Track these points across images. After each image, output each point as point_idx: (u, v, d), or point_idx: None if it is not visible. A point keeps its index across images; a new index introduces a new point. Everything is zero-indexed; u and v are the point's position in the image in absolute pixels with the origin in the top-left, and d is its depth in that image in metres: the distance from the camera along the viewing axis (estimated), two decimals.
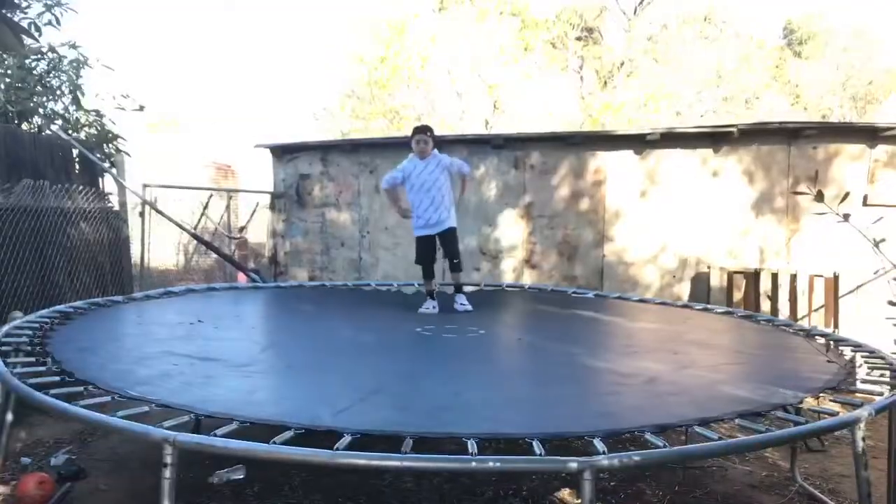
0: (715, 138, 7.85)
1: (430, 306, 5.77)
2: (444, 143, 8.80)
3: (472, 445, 2.48)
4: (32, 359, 3.51)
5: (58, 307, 4.81)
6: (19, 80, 8.03)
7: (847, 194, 3.14)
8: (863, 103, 23.59)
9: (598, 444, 2.48)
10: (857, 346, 4.16)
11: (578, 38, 20.80)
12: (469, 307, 5.75)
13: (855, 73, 22.09)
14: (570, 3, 21.55)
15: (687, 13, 21.52)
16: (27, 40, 6.75)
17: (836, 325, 7.01)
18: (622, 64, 21.01)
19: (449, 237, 5.88)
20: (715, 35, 21.15)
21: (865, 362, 3.87)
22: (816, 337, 4.69)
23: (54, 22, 8.24)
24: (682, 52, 20.43)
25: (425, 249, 5.94)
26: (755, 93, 20.50)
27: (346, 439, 2.51)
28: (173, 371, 3.49)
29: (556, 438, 2.67)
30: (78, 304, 5.09)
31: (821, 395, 3.30)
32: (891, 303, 2.94)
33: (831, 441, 5.13)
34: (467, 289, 6.33)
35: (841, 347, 4.27)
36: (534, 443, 2.51)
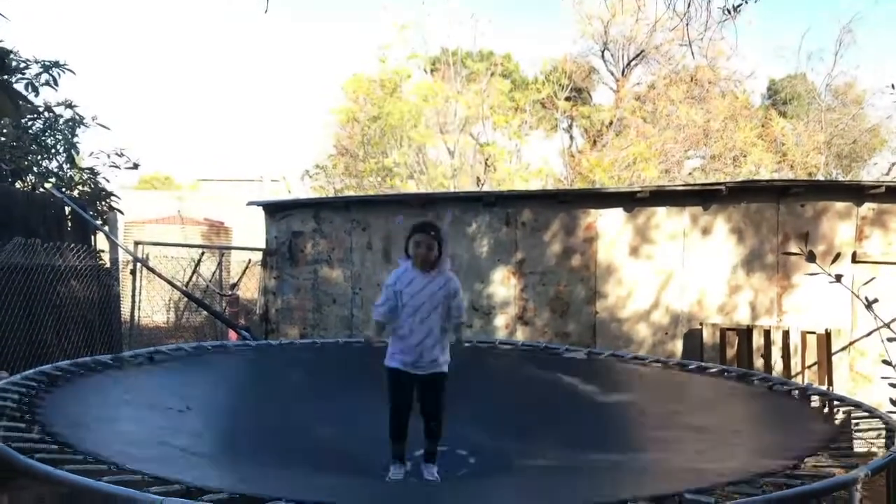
0: (704, 196, 7.94)
1: (398, 472, 4.04)
2: (437, 201, 8.90)
3: None
4: (19, 424, 3.45)
5: (43, 368, 4.72)
6: (14, 139, 8.12)
7: (839, 255, 3.17)
8: (848, 161, 24.03)
9: None
10: (853, 405, 4.14)
11: (567, 99, 21.21)
12: (438, 479, 4.05)
13: (839, 133, 22.55)
14: (559, 65, 22.06)
15: (674, 73, 22.05)
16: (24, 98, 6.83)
17: (829, 383, 6.99)
18: (611, 123, 21.39)
19: (434, 386, 4.08)
20: (701, 95, 21.62)
21: (861, 421, 3.84)
22: (811, 396, 4.66)
23: (52, 83, 8.38)
24: (669, 112, 20.85)
25: (402, 393, 4.07)
26: (742, 151, 20.85)
27: None
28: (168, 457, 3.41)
29: None
30: (64, 364, 4.99)
31: (817, 455, 3.26)
32: (886, 362, 2.93)
33: (828, 502, 5.05)
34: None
35: (836, 406, 4.24)
36: None
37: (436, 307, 4.05)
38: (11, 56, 8.23)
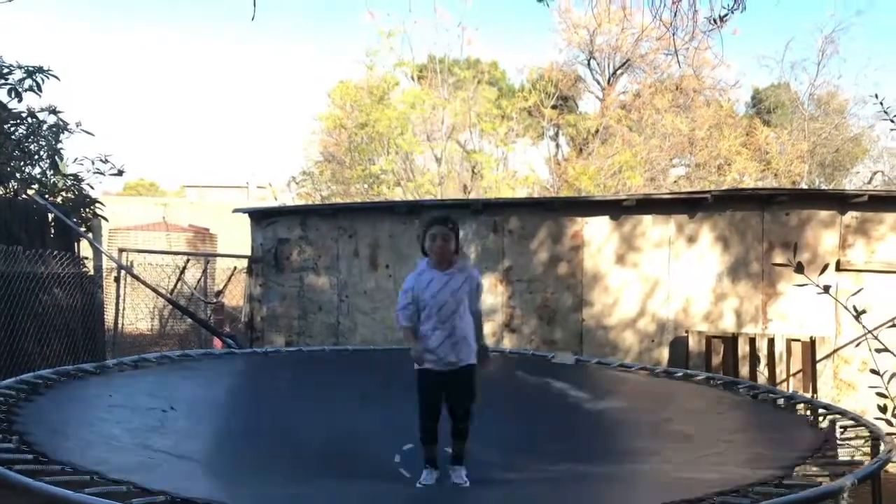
0: (689, 204, 7.99)
1: (430, 478, 3.93)
2: (424, 208, 8.88)
3: None
4: None
5: (23, 377, 4.65)
6: None
7: (826, 266, 3.18)
8: (831, 170, 24.26)
9: None
10: (838, 413, 4.15)
11: (554, 107, 21.29)
12: (467, 482, 3.92)
13: (822, 142, 22.77)
14: (545, 73, 22.15)
15: (659, 82, 22.20)
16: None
17: (814, 390, 7.03)
18: (597, 131, 21.48)
19: (463, 382, 3.94)
20: (686, 104, 21.78)
21: (847, 429, 3.86)
22: (797, 404, 4.68)
23: (35, 88, 8.30)
24: (655, 120, 20.98)
25: (432, 394, 3.95)
26: (727, 159, 21.01)
27: None
28: (151, 464, 3.36)
29: None
30: (45, 372, 4.93)
31: (804, 464, 3.27)
32: (873, 371, 2.95)
33: None
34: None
35: (822, 414, 4.26)
36: None
37: (459, 304, 3.90)
38: (13, 64, 8.16)
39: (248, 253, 9.02)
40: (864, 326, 2.73)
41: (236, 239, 15.04)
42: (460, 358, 3.92)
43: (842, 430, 3.90)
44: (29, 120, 8.50)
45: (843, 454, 3.45)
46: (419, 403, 3.99)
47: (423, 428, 3.96)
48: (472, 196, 17.60)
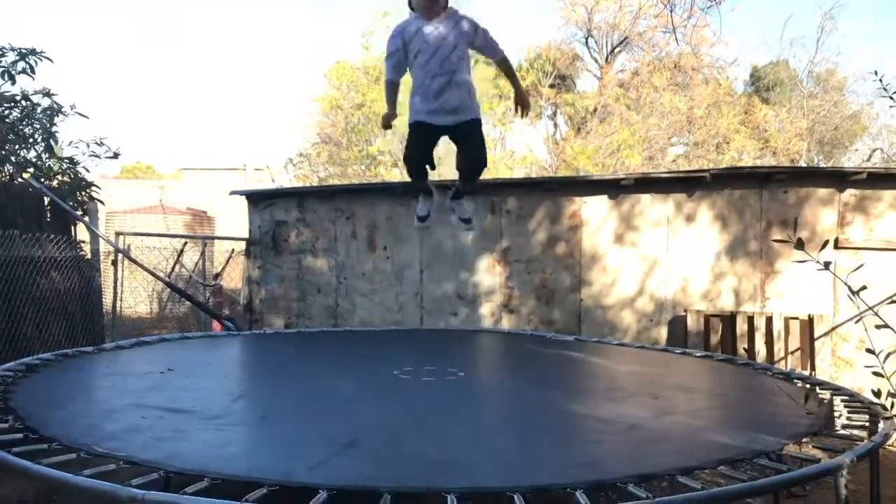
0: (688, 183, 7.96)
1: (425, 207, 4.14)
2: None
3: (452, 501, 2.42)
4: None
5: (24, 360, 4.68)
6: None
7: (826, 242, 3.17)
8: (829, 148, 24.19)
9: (581, 498, 2.43)
10: (836, 390, 4.17)
11: (552, 86, 21.17)
12: (473, 228, 4.21)
13: (820, 120, 22.68)
14: (543, 52, 22.00)
15: (657, 60, 22.06)
16: None
17: (812, 368, 7.06)
18: (595, 110, 21.38)
19: (469, 132, 3.91)
20: (685, 82, 21.66)
21: (845, 407, 3.87)
22: (795, 381, 4.69)
23: (28, 71, 8.22)
24: (653, 99, 20.87)
25: (422, 143, 3.98)
26: (725, 137, 20.93)
27: (322, 496, 2.43)
28: (142, 425, 3.39)
29: (539, 491, 2.62)
30: (45, 355, 4.96)
31: (802, 441, 3.28)
32: (869, 350, 2.94)
33: (813, 487, 5.09)
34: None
35: (820, 392, 4.27)
36: (515, 497, 2.46)
37: (454, 49, 3.75)
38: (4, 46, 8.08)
39: (246, 235, 9.00)
40: (864, 302, 2.72)
41: (234, 221, 15.00)
42: (458, 106, 3.83)
43: (840, 407, 3.91)
44: (23, 103, 8.42)
45: (842, 432, 3.45)
46: (406, 153, 4.02)
47: (410, 171, 4.03)
48: None
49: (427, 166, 4.05)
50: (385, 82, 4.02)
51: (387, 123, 4.08)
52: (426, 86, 3.79)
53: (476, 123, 3.92)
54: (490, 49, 3.91)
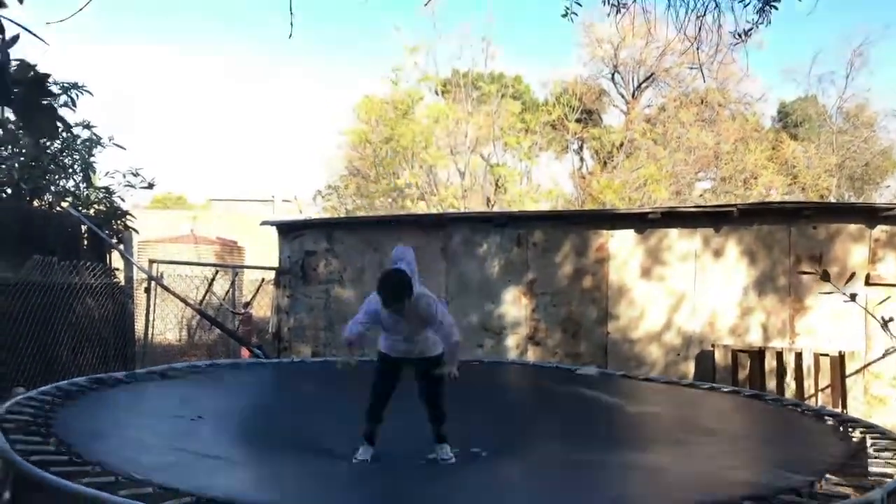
0: (715, 218, 7.95)
1: (365, 454, 3.99)
2: (448, 222, 8.93)
3: None
4: (35, 437, 3.49)
5: (59, 384, 4.77)
6: (33, 158, 8.23)
7: (853, 274, 3.18)
8: (860, 184, 23.94)
9: None
10: (867, 427, 4.11)
11: (578, 120, 21.29)
12: (452, 457, 4.02)
13: (850, 156, 22.50)
14: (569, 87, 22.16)
15: (684, 96, 22.11)
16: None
17: (843, 405, 6.94)
18: (621, 145, 21.42)
19: (429, 372, 4.06)
20: (712, 117, 21.65)
21: (876, 444, 3.82)
22: (826, 417, 4.64)
23: (70, 104, 8.51)
24: (680, 134, 20.88)
25: (385, 378, 4.10)
26: (753, 173, 20.82)
27: None
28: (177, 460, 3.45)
29: None
30: (80, 380, 5.05)
31: (832, 477, 3.24)
32: None
33: None
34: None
35: (850, 428, 4.22)
36: None
37: (418, 322, 3.97)
38: (50, 80, 8.37)
39: (276, 265, 9.14)
40: (892, 335, 2.71)
41: (262, 251, 15.21)
42: (422, 349, 4.04)
43: (871, 443, 3.86)
44: (64, 135, 8.70)
45: (873, 468, 3.41)
46: (372, 385, 4.09)
47: (369, 406, 4.05)
48: (496, 209, 17.63)
49: (384, 407, 4.07)
50: (346, 340, 4.16)
51: (344, 365, 4.13)
52: (392, 334, 4.07)
53: (435, 361, 4.05)
54: (443, 333, 4.01)
